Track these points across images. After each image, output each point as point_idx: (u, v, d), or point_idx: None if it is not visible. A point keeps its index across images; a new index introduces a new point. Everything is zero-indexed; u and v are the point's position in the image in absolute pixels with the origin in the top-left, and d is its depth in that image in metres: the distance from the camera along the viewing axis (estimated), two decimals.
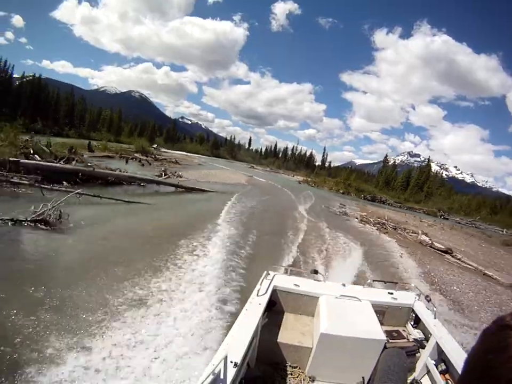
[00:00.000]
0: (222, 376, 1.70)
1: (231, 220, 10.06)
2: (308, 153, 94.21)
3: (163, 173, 18.86)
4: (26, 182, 9.81)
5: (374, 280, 3.82)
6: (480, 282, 8.52)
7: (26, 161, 11.77)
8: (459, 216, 39.04)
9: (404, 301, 3.25)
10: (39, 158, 13.33)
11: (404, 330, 3.16)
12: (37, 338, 3.22)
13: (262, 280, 3.04)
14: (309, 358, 2.63)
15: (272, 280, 3.10)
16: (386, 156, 71.38)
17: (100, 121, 67.33)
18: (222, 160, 63.59)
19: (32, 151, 13.78)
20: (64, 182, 11.26)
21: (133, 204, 10.39)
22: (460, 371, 0.53)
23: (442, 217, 34.99)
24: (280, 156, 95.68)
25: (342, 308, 2.76)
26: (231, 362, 1.81)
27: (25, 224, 6.58)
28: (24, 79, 53.83)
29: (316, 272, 3.66)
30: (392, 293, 3.32)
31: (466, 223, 33.89)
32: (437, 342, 2.67)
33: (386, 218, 18.03)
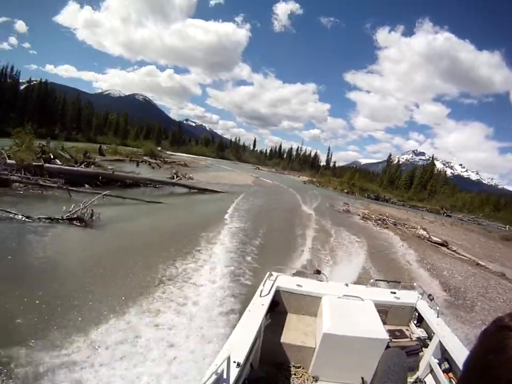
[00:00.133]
0: (225, 376, 1.70)
1: (243, 216, 11.07)
2: (312, 154, 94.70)
3: (175, 175, 19.74)
4: (54, 185, 10.71)
5: (376, 280, 3.88)
6: (471, 270, 9.19)
7: (50, 165, 12.79)
8: (462, 213, 39.26)
9: (406, 300, 3.26)
10: (59, 162, 14.39)
11: (407, 330, 3.18)
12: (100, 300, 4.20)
13: (265, 281, 3.06)
14: (312, 358, 2.65)
15: (275, 281, 3.13)
16: (390, 155, 71.48)
17: (107, 125, 67.71)
18: (227, 162, 64.47)
19: (52, 156, 14.87)
20: (86, 185, 12.24)
21: (153, 204, 11.31)
22: None
23: (445, 214, 35.39)
24: (285, 156, 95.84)
25: (344, 308, 2.77)
26: (234, 362, 1.82)
27: (61, 222, 7.40)
28: (30, 83, 54.80)
29: (318, 272, 3.74)
30: (395, 292, 3.32)
31: (469, 220, 34.24)
32: (440, 341, 2.68)
33: (387, 215, 18.77)
